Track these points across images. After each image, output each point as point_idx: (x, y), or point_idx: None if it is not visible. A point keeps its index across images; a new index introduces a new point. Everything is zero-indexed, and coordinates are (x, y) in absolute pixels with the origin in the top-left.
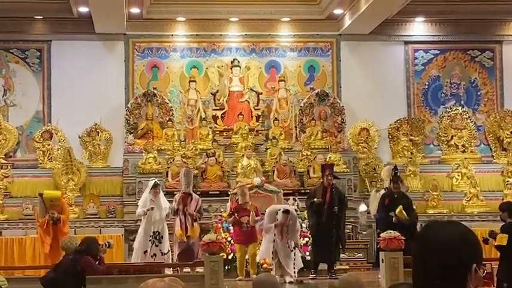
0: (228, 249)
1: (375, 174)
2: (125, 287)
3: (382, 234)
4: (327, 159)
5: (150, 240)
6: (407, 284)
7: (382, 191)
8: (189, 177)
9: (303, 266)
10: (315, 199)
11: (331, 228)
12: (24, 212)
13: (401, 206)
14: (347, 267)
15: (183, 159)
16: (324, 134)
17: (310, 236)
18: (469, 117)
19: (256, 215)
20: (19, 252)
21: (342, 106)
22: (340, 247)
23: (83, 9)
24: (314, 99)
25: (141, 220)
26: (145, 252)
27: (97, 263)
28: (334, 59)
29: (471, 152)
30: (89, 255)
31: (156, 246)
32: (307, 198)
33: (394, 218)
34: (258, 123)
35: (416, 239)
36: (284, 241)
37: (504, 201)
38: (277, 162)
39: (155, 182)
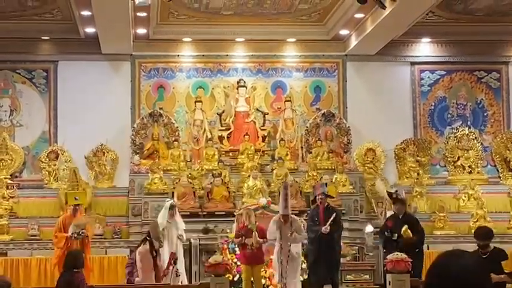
0: (234, 270)
1: (381, 195)
2: None
3: (388, 256)
4: (333, 180)
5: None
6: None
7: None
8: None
9: None
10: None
11: (328, 248)
12: (30, 233)
13: (406, 226)
14: None
15: (189, 180)
16: (330, 154)
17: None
18: (475, 138)
19: (262, 236)
20: (24, 273)
21: (348, 127)
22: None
23: (90, 30)
24: (320, 120)
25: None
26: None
27: None
28: (340, 79)
29: (478, 173)
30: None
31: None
32: (308, 220)
33: (397, 238)
34: (264, 144)
35: (432, 268)
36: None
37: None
38: (283, 182)
39: (171, 203)
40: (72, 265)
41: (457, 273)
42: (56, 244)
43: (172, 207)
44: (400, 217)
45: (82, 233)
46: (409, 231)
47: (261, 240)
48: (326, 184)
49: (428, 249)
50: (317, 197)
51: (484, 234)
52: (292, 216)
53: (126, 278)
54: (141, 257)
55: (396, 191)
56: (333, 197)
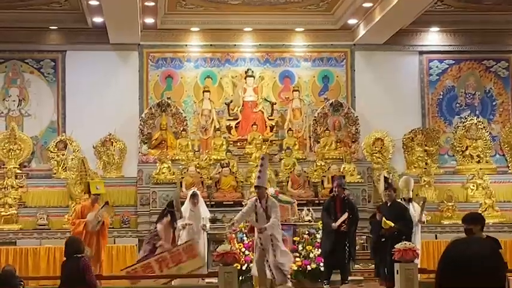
0: (242, 260)
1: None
2: None
3: (396, 246)
4: (341, 170)
5: None
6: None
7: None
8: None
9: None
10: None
11: (342, 239)
12: (39, 222)
13: (384, 218)
14: (361, 278)
15: (197, 170)
16: (338, 144)
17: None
18: (484, 127)
19: None
20: (33, 262)
21: (356, 116)
22: (351, 258)
23: (98, 20)
24: (328, 109)
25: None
26: None
27: None
28: (348, 69)
29: (486, 162)
30: (83, 256)
31: None
32: (323, 209)
33: (383, 231)
34: (272, 134)
35: (444, 255)
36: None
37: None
38: (291, 172)
39: (193, 191)
40: (74, 251)
41: (470, 259)
42: (73, 230)
43: (193, 196)
44: (389, 204)
45: (98, 221)
46: (388, 222)
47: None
48: (344, 177)
49: (436, 238)
50: (334, 189)
51: (469, 219)
52: (270, 197)
53: (144, 255)
54: (164, 228)
55: (390, 178)
56: (348, 190)
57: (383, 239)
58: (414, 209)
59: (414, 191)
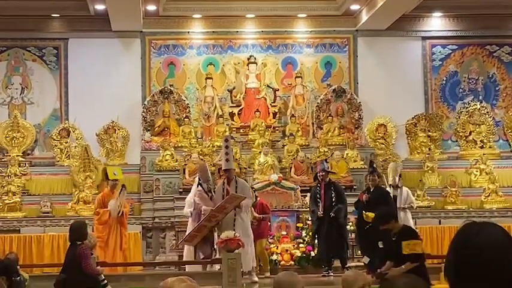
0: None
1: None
2: (143, 284)
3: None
4: (344, 156)
5: None
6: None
7: (401, 164)
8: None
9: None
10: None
11: (332, 223)
12: (42, 210)
13: (364, 212)
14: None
15: (200, 157)
16: (341, 130)
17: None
18: (487, 112)
19: (263, 212)
20: (37, 249)
21: (359, 102)
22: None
23: (100, 7)
24: (331, 96)
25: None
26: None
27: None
28: (351, 55)
29: (489, 147)
30: (83, 243)
31: None
32: (310, 197)
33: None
34: (274, 120)
35: (453, 243)
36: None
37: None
38: (294, 158)
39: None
40: (75, 237)
41: (479, 246)
42: (98, 220)
43: None
44: (372, 190)
45: (119, 209)
46: (369, 214)
47: (260, 216)
48: (326, 160)
49: (440, 224)
50: (318, 174)
51: (383, 218)
52: (239, 179)
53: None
54: (199, 196)
55: (375, 162)
56: (335, 173)
57: (367, 227)
58: (402, 196)
59: (417, 177)
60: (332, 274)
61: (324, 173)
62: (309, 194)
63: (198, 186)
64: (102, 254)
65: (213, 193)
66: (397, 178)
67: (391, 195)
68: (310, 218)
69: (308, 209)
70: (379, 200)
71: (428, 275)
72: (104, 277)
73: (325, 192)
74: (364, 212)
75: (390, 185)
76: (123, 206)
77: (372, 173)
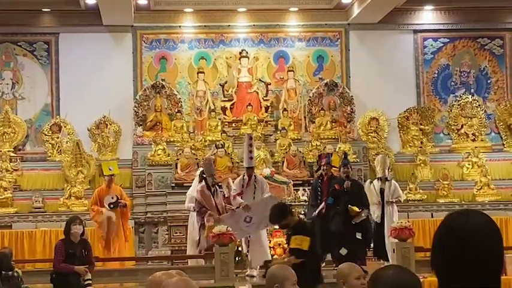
0: (239, 240)
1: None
2: (135, 279)
3: (392, 225)
4: (337, 150)
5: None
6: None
7: (376, 181)
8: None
9: None
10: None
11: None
12: (34, 205)
13: (349, 206)
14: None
15: (192, 151)
16: (333, 124)
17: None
18: (479, 105)
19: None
20: (29, 245)
21: (351, 96)
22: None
23: (90, 1)
24: (323, 89)
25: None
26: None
27: (85, 251)
28: (343, 48)
29: (481, 140)
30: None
31: None
32: (311, 190)
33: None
34: (267, 114)
35: (439, 230)
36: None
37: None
38: (286, 152)
39: (202, 171)
40: (64, 231)
41: (465, 235)
42: (92, 218)
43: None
44: (345, 183)
45: (119, 202)
46: (354, 208)
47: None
48: (331, 154)
49: (432, 217)
50: (322, 167)
51: (276, 216)
52: (258, 176)
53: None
54: (200, 194)
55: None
56: (337, 167)
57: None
58: (390, 189)
59: (410, 170)
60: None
61: (328, 167)
62: (301, 188)
63: (201, 181)
64: (105, 250)
65: (217, 188)
66: (386, 171)
67: (379, 188)
68: (303, 212)
69: (303, 202)
70: (354, 190)
71: (311, 276)
72: (89, 277)
73: (328, 188)
74: (350, 206)
75: (378, 177)
76: (124, 199)
77: (345, 166)
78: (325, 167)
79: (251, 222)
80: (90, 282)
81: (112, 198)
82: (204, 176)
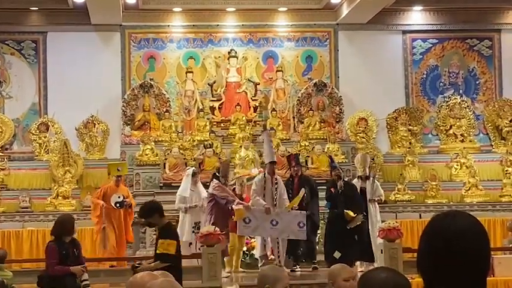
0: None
1: (374, 164)
2: (122, 280)
3: (380, 225)
4: (325, 150)
5: (193, 232)
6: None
7: (356, 179)
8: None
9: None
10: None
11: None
12: (21, 205)
13: (345, 211)
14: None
15: (181, 151)
16: (322, 124)
17: None
18: (467, 106)
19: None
20: (16, 245)
21: (340, 96)
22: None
23: (79, 0)
24: (312, 90)
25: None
26: (190, 244)
27: (77, 251)
28: (331, 48)
29: (470, 141)
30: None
31: None
32: None
33: (349, 226)
34: (255, 114)
35: (424, 232)
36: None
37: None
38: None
39: (194, 170)
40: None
41: (451, 236)
42: (91, 212)
43: (194, 174)
44: (338, 183)
45: (125, 202)
46: (349, 212)
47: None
48: (299, 154)
49: (420, 218)
50: (292, 169)
51: (146, 213)
52: (278, 176)
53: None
54: (220, 188)
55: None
56: (307, 166)
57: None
58: (371, 187)
59: (398, 171)
60: (299, 270)
61: (298, 168)
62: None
63: (215, 180)
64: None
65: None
66: (367, 169)
67: (360, 187)
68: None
69: None
70: (347, 193)
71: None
72: (86, 277)
73: (299, 187)
74: (345, 211)
75: (359, 176)
76: (130, 199)
77: (335, 168)
78: (295, 168)
79: (276, 227)
80: (87, 282)
81: (119, 197)
82: (219, 176)
